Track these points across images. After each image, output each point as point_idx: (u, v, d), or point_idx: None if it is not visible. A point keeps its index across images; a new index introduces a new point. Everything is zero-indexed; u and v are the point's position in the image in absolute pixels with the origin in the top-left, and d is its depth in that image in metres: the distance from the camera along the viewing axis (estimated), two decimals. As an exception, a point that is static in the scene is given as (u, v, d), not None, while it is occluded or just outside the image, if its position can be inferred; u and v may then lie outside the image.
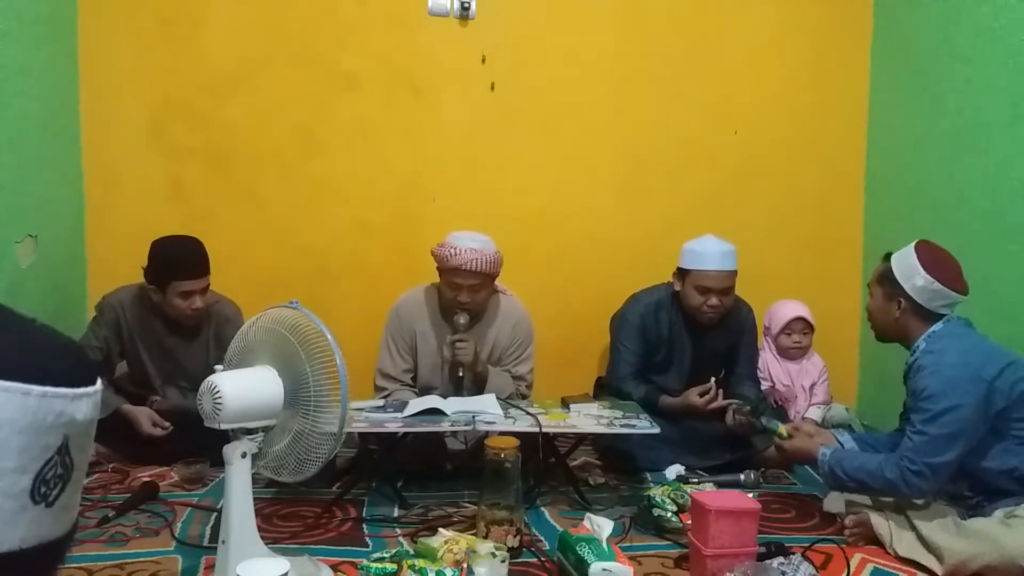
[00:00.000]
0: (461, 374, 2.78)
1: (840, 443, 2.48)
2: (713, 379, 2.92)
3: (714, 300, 2.91)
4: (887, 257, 2.39)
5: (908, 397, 2.35)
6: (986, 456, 2.20)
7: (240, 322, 2.97)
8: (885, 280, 2.35)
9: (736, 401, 2.90)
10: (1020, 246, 2.77)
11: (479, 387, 2.86)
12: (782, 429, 2.55)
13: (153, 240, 2.81)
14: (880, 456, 2.29)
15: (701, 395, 2.89)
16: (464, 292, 2.76)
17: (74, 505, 0.58)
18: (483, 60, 3.48)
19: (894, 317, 2.33)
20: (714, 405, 2.89)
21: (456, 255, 2.72)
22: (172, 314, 2.82)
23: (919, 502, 2.26)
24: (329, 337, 1.86)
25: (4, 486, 0.51)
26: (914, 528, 2.16)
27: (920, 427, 2.19)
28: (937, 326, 2.28)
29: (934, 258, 2.29)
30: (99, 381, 0.59)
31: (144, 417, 2.80)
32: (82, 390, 0.56)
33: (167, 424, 2.80)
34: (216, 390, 1.81)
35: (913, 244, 2.34)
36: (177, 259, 2.76)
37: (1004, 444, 2.19)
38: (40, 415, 0.52)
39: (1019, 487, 2.17)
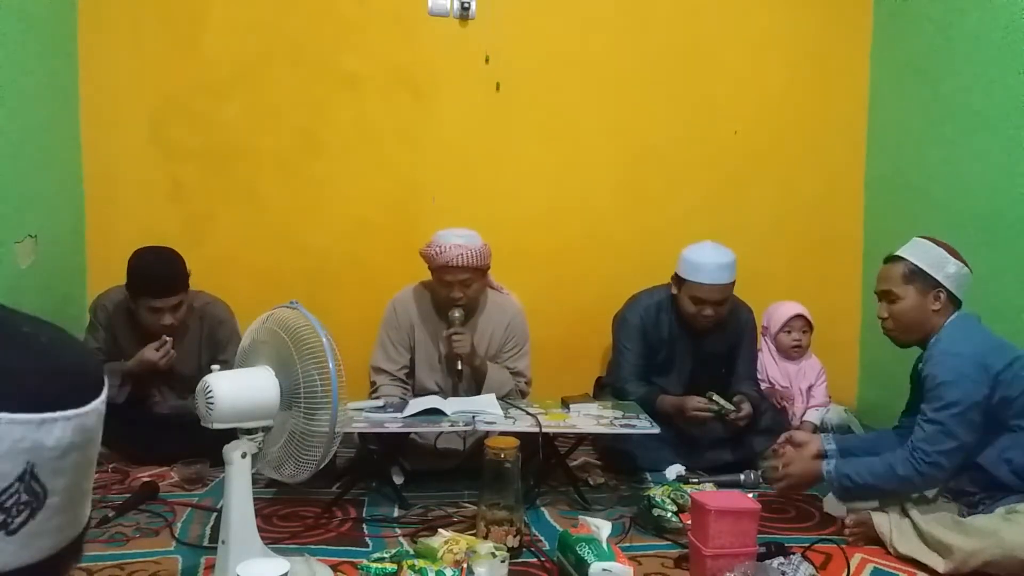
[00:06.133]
0: (460, 367, 2.80)
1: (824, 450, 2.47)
2: (710, 393, 2.92)
3: (708, 311, 2.92)
4: (894, 259, 2.37)
5: (917, 390, 2.38)
6: (986, 447, 2.21)
7: (233, 323, 2.98)
8: (915, 277, 2.32)
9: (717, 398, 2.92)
10: (1020, 246, 2.77)
11: (478, 382, 2.87)
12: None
13: (135, 249, 2.80)
14: (884, 456, 2.27)
15: (701, 408, 2.87)
16: (456, 288, 2.78)
17: (51, 531, 0.55)
18: (487, 60, 3.48)
19: (931, 311, 2.31)
20: (705, 417, 2.88)
21: (442, 252, 2.74)
22: (145, 326, 2.82)
23: (927, 494, 2.29)
24: (324, 340, 1.84)
25: None
26: (916, 526, 2.16)
27: (932, 415, 2.19)
28: (952, 318, 2.31)
29: (946, 246, 2.35)
30: (91, 403, 0.57)
31: (148, 352, 2.79)
32: (55, 414, 0.53)
33: (167, 338, 2.79)
34: (208, 390, 1.82)
35: (922, 239, 2.37)
36: (144, 277, 2.75)
37: (1004, 435, 2.21)
38: None
39: (1018, 481, 2.18)
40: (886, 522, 2.22)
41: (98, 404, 0.58)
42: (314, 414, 1.86)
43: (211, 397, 1.81)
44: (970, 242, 2.93)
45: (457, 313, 2.79)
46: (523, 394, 2.94)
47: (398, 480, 2.63)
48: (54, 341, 0.58)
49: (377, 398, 2.82)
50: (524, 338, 2.98)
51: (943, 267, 2.31)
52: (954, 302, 2.32)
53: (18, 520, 0.52)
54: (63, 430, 0.54)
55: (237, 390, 1.85)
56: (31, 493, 0.53)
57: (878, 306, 2.42)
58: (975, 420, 2.17)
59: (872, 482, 2.25)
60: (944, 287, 2.30)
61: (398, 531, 2.33)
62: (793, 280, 3.63)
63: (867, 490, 2.29)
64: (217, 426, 1.83)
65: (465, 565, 1.86)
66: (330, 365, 1.82)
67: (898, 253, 2.38)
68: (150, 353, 2.79)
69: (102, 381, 0.59)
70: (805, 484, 2.42)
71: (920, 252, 2.35)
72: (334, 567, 2.03)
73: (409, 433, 2.62)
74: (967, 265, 2.34)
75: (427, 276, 2.98)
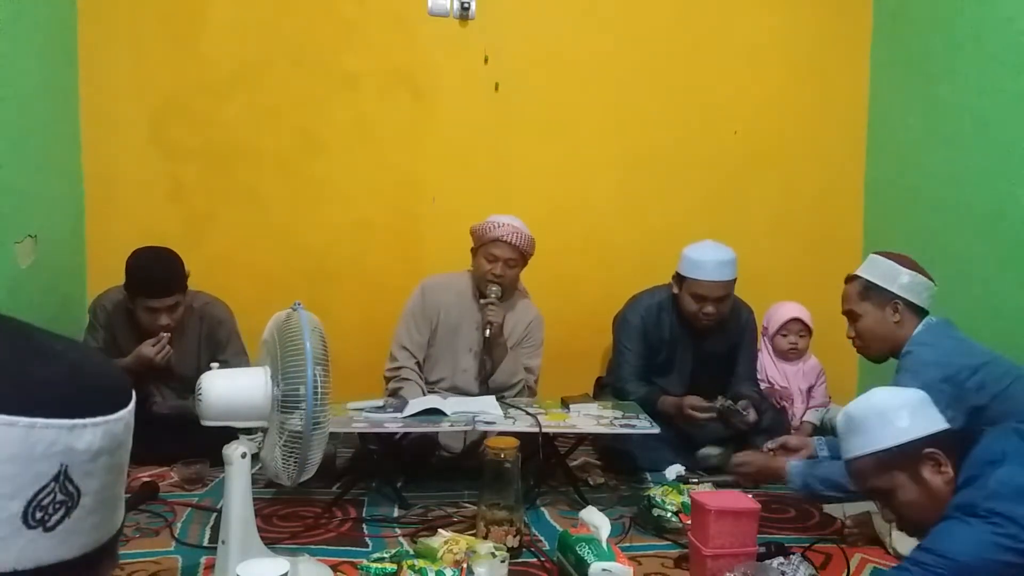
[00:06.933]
0: (488, 334, 2.89)
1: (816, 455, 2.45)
2: (719, 398, 2.90)
3: (709, 308, 2.92)
4: (851, 278, 2.45)
5: None
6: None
7: (233, 323, 2.98)
8: (869, 293, 2.40)
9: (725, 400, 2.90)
10: (1020, 247, 2.77)
11: (497, 359, 2.96)
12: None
13: (134, 249, 2.80)
14: None
15: (698, 407, 2.86)
16: (500, 265, 2.92)
17: (86, 530, 0.58)
18: (486, 60, 3.48)
19: (894, 323, 2.36)
20: (701, 417, 2.87)
21: (498, 227, 2.92)
22: (144, 327, 2.82)
23: None
24: (307, 344, 1.83)
25: None
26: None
27: None
28: (920, 327, 2.34)
29: (901, 257, 2.40)
30: (119, 411, 0.60)
31: (145, 349, 2.77)
32: (84, 420, 0.57)
33: (164, 335, 2.78)
34: (199, 388, 1.84)
35: (876, 255, 2.46)
36: (142, 277, 2.75)
37: None
38: (27, 445, 0.54)
39: None
40: (885, 523, 2.22)
41: (126, 413, 0.61)
42: (298, 416, 1.86)
43: (200, 395, 1.83)
44: (970, 242, 2.93)
45: (495, 288, 2.92)
46: (531, 391, 3.02)
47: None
48: (85, 357, 0.63)
49: (395, 376, 2.94)
50: (540, 340, 3.09)
51: (896, 278, 2.35)
52: (916, 311, 2.35)
53: (55, 518, 0.56)
54: (93, 435, 0.58)
55: (227, 389, 1.86)
56: (66, 493, 0.56)
57: (847, 327, 2.48)
58: None
59: (834, 479, 2.23)
60: (901, 298, 2.34)
61: (398, 531, 2.33)
62: (793, 280, 3.63)
63: (827, 488, 2.28)
64: (208, 423, 1.85)
65: (465, 565, 1.86)
66: (308, 371, 1.81)
67: (855, 272, 2.45)
68: (147, 349, 2.79)
69: (130, 393, 0.63)
70: (768, 477, 2.45)
71: (872, 268, 2.42)
72: (334, 567, 2.03)
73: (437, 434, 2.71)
74: (923, 273, 2.37)
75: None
